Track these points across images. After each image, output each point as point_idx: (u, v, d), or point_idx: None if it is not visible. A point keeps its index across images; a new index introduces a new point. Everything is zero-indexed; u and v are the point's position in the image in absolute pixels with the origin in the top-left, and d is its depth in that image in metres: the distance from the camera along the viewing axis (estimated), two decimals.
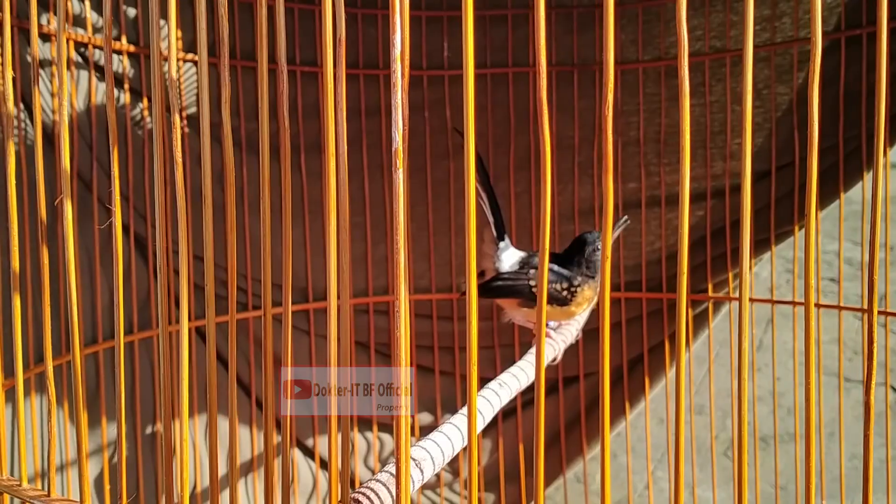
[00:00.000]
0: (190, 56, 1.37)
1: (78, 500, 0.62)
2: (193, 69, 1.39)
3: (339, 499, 0.53)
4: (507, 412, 1.72)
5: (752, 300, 1.55)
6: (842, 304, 1.41)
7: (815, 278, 0.50)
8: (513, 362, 1.09)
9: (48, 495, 0.64)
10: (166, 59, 1.33)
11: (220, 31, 0.53)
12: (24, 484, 0.68)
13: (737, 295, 1.56)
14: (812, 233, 0.51)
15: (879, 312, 1.38)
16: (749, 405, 1.64)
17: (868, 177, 1.38)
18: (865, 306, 0.49)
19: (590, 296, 1.17)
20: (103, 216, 1.23)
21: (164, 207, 0.57)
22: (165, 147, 1.20)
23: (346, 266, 0.52)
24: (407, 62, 0.48)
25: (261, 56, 0.53)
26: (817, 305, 1.43)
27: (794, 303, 1.46)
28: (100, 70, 1.25)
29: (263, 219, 0.55)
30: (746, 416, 0.50)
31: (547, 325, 1.23)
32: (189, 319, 1.34)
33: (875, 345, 0.53)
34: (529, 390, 1.62)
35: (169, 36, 0.53)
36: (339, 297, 0.52)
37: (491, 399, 0.86)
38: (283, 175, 0.55)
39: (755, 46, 1.45)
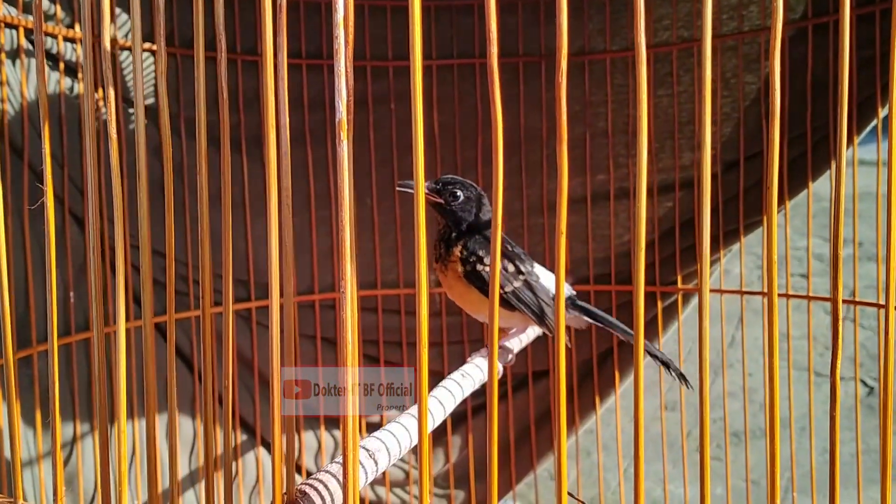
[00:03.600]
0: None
1: (12, 498, 0.60)
2: (151, 58, 1.36)
3: (283, 491, 0.51)
4: (477, 407, 1.70)
5: (721, 291, 1.54)
6: (811, 295, 1.40)
7: (775, 268, 0.48)
8: None
9: None
10: (123, 48, 1.29)
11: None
12: None
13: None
14: (773, 215, 0.49)
15: (846, 301, 1.38)
16: (720, 401, 1.63)
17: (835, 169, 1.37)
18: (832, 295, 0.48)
19: None
20: (56, 208, 1.20)
21: (96, 201, 0.54)
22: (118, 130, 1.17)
23: (289, 260, 0.49)
24: (351, 27, 0.46)
25: (197, 43, 0.50)
26: (783, 295, 1.42)
27: (763, 293, 1.45)
28: (52, 58, 1.21)
29: (201, 208, 0.53)
30: (708, 411, 0.48)
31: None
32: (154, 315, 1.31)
33: (841, 322, 0.52)
34: (499, 384, 1.61)
35: (102, 15, 0.51)
36: (282, 295, 0.49)
37: (453, 389, 0.84)
38: (222, 165, 0.52)
39: (722, 35, 1.44)
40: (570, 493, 0.48)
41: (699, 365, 0.49)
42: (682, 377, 1.07)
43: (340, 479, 0.56)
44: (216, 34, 0.50)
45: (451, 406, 0.82)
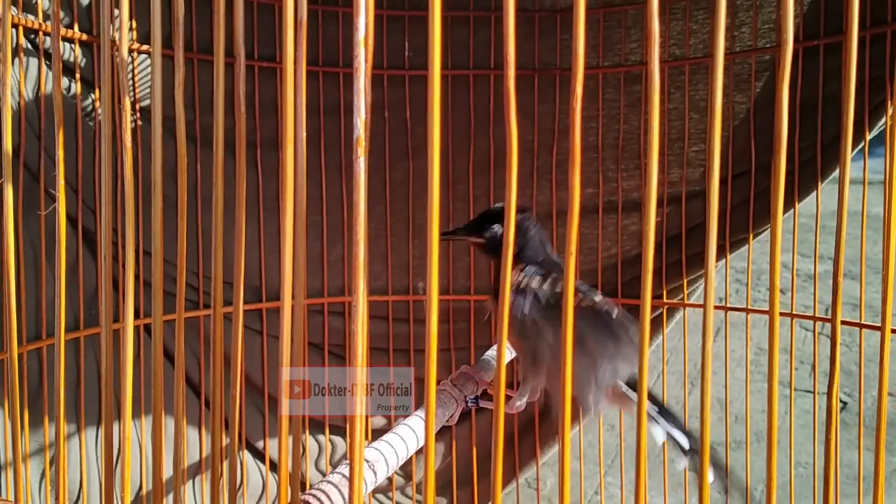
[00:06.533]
0: (144, 47, 1.33)
1: (13, 500, 0.60)
2: (147, 61, 1.36)
3: (288, 501, 0.52)
4: (462, 416, 1.70)
5: (702, 306, 1.56)
6: (794, 312, 1.43)
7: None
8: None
9: None
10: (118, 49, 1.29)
11: (175, 23, 0.51)
12: None
13: (691, 301, 1.57)
14: (777, 228, 0.50)
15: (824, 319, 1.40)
16: (696, 413, 1.65)
17: (822, 189, 1.39)
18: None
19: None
20: (50, 207, 1.19)
21: (109, 198, 0.54)
22: (117, 135, 1.17)
23: (301, 262, 0.50)
24: (371, 47, 0.47)
25: (217, 48, 0.51)
26: (767, 312, 1.44)
27: (747, 310, 1.47)
28: (50, 58, 1.21)
29: (216, 212, 0.53)
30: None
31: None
32: (137, 316, 1.30)
33: (839, 344, 0.53)
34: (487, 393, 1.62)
35: (121, 24, 0.51)
36: (294, 297, 0.50)
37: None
38: (237, 170, 0.53)
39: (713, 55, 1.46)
40: None
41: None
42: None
43: (341, 489, 0.57)
44: (234, 40, 0.51)
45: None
